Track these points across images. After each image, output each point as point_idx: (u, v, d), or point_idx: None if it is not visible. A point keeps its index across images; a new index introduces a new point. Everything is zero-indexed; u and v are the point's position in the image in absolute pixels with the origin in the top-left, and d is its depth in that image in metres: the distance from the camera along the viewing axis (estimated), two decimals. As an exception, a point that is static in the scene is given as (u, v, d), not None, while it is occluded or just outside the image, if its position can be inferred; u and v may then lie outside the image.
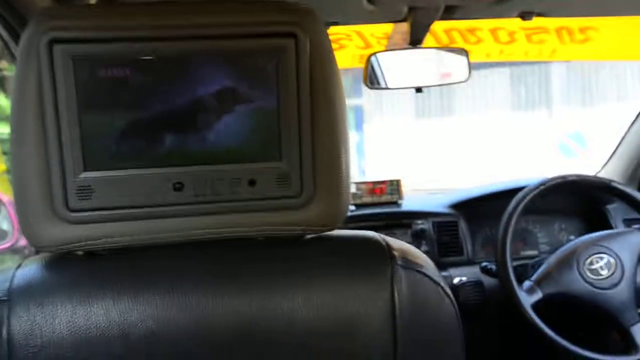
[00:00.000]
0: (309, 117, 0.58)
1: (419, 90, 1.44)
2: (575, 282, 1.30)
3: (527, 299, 1.29)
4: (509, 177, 1.76)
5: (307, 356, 0.59)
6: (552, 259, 1.35)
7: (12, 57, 0.95)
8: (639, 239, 1.35)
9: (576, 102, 8.32)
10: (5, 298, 0.56)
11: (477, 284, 1.45)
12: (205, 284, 0.59)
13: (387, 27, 1.50)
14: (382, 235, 0.65)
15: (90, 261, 0.61)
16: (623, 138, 1.77)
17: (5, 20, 0.87)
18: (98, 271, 0.59)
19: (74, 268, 0.60)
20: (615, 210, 1.64)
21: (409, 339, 0.60)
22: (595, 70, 8.17)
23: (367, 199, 1.67)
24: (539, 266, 1.36)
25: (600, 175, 1.81)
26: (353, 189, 1.65)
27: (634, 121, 1.72)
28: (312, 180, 0.60)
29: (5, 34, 0.90)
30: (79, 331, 0.56)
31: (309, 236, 0.64)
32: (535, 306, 1.29)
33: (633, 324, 1.29)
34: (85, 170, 0.56)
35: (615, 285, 1.30)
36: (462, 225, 1.62)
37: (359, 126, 8.53)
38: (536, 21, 1.27)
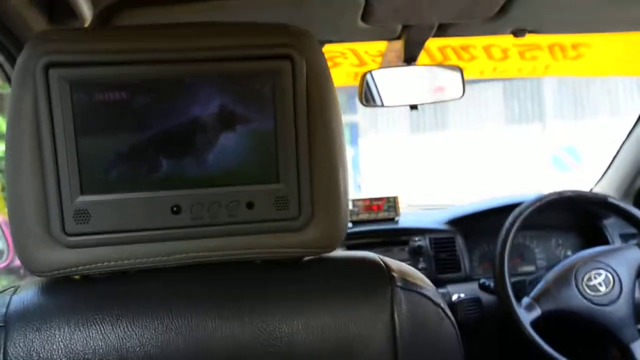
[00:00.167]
0: (307, 139, 0.58)
1: (413, 107, 1.44)
2: (573, 299, 1.30)
3: (526, 317, 1.29)
4: (504, 192, 1.76)
5: None
6: (550, 275, 1.34)
7: (7, 79, 0.94)
8: (637, 255, 1.35)
9: (569, 116, 8.40)
10: (2, 324, 0.56)
11: (475, 300, 1.45)
12: (204, 307, 0.58)
13: (381, 45, 1.50)
14: (381, 256, 0.65)
15: (87, 285, 0.60)
16: (617, 153, 1.77)
17: (1, 42, 0.87)
18: (95, 295, 0.59)
19: (70, 292, 0.59)
20: (612, 225, 1.64)
21: None
22: (587, 85, 8.26)
23: (364, 216, 1.67)
24: (537, 282, 1.35)
25: (596, 190, 1.82)
26: (350, 205, 1.65)
27: (628, 136, 1.72)
28: (310, 202, 0.59)
29: (0, 57, 0.90)
30: (76, 356, 0.55)
31: (307, 258, 0.63)
32: (534, 323, 1.28)
33: (633, 341, 1.28)
34: (82, 194, 0.56)
35: (614, 301, 1.30)
36: (459, 242, 1.62)
37: (354, 142, 8.56)
38: (529, 38, 1.28)
